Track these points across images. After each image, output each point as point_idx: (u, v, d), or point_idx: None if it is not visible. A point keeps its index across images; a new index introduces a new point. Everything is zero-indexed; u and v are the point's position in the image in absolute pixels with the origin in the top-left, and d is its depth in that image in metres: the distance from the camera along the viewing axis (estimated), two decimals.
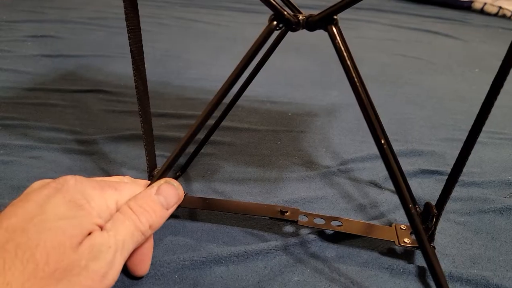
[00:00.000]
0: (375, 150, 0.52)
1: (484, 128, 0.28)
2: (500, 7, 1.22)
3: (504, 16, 1.21)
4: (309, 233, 0.38)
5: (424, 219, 0.35)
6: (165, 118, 0.59)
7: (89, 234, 0.26)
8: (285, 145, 0.54)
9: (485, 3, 1.22)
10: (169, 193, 0.30)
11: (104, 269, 0.25)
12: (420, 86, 0.71)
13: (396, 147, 0.55)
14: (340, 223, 0.38)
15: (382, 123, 0.56)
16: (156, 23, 1.04)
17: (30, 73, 0.71)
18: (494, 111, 0.27)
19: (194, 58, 0.84)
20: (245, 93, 0.42)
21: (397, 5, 1.40)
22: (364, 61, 0.87)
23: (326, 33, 0.28)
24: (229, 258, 0.35)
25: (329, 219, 0.38)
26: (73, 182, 0.27)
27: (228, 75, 0.30)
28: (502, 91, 0.26)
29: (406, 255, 0.37)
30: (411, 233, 0.37)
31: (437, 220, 0.34)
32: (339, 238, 0.38)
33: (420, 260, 0.36)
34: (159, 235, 0.37)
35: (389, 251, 0.37)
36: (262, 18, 1.09)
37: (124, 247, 0.27)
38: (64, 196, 0.26)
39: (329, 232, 0.38)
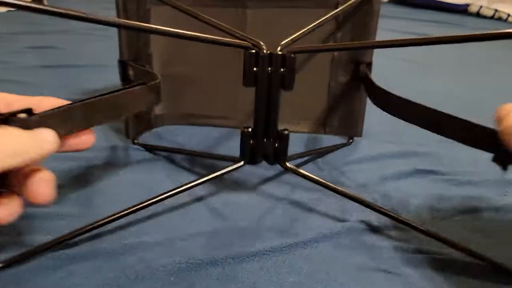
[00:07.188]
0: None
1: None
2: (496, 10, 1.22)
3: (500, 18, 1.22)
4: (308, 236, 0.39)
5: None
6: None
7: None
8: None
9: (481, 6, 1.23)
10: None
11: None
12: (416, 88, 0.71)
13: (391, 148, 0.55)
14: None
15: (378, 125, 0.57)
16: None
17: (30, 84, 0.72)
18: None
19: None
20: None
21: (393, 10, 1.41)
22: None
23: None
24: (225, 260, 0.35)
25: None
26: None
27: None
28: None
29: None
30: None
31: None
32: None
33: None
34: (155, 238, 0.38)
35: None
36: None
37: None
38: None
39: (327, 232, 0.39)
